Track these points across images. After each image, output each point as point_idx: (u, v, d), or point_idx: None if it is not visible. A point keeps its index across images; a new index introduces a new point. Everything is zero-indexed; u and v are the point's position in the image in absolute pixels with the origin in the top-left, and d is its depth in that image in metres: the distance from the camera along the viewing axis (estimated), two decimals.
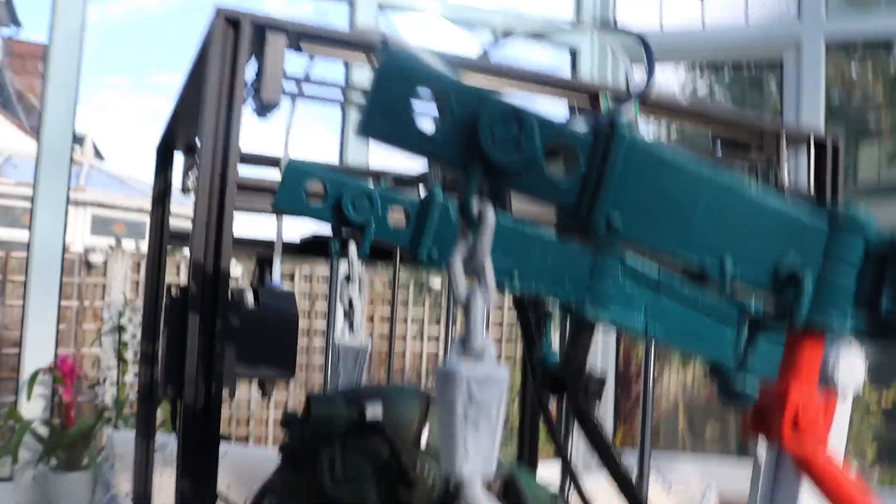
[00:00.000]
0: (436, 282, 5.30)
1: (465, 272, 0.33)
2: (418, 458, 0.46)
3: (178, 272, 4.14)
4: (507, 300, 5.04)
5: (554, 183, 0.31)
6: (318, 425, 0.45)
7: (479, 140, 0.29)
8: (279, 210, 0.60)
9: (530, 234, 0.62)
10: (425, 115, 0.30)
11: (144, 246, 3.53)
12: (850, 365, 0.75)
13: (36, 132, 3.51)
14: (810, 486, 0.44)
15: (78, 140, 7.51)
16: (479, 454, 0.32)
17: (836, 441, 0.77)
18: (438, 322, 5.24)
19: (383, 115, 0.28)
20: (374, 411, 0.46)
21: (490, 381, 0.32)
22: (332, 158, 3.31)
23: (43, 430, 3.57)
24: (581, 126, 0.32)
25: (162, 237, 1.21)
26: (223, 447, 1.31)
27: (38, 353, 3.57)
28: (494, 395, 0.32)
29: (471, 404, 0.32)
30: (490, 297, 0.33)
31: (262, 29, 0.72)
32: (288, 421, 0.49)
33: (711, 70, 3.77)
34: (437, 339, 5.16)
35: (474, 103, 0.30)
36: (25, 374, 3.55)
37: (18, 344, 3.62)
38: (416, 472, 0.44)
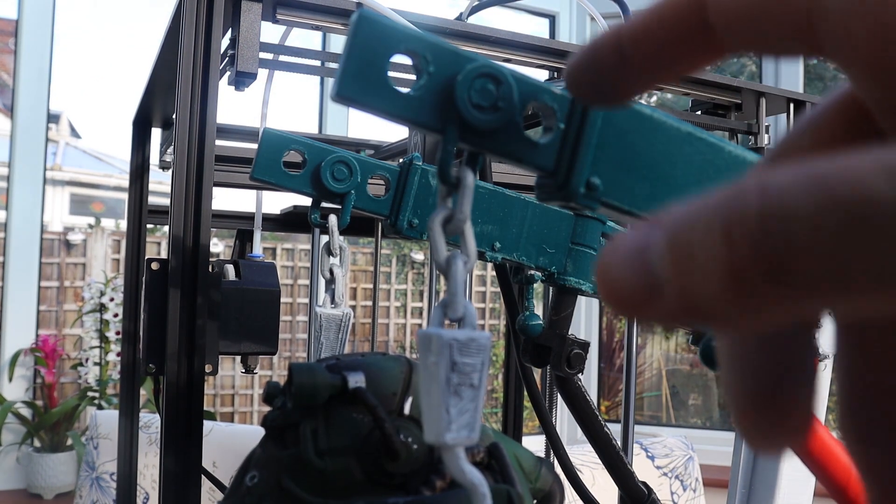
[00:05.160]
0: (418, 255, 5.31)
1: (445, 237, 0.33)
2: (401, 427, 0.45)
3: (158, 250, 4.12)
4: (491, 273, 5.06)
5: (532, 143, 0.31)
6: (300, 394, 0.44)
7: (455, 100, 0.29)
8: (256, 180, 0.59)
9: (510, 199, 0.62)
10: (400, 80, 0.30)
11: (124, 224, 3.50)
12: (831, 331, 0.75)
13: (10, 110, 3.46)
14: (792, 452, 0.44)
15: (53, 118, 7.43)
16: (462, 421, 0.32)
17: (817, 407, 0.78)
18: (422, 296, 5.25)
19: (358, 78, 0.28)
20: (356, 379, 0.45)
21: (472, 345, 0.32)
22: (312, 129, 3.30)
23: (26, 412, 3.57)
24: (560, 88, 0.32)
25: (141, 214, 1.20)
26: (208, 425, 1.31)
27: (18, 334, 3.56)
28: (477, 360, 0.32)
29: (453, 370, 0.31)
30: (472, 261, 0.33)
31: None
32: (270, 392, 0.49)
33: None
34: (421, 312, 5.18)
35: (451, 63, 0.29)
36: (6, 355, 3.54)
37: None
38: (399, 441, 0.44)
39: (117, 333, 3.63)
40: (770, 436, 0.19)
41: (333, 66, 0.88)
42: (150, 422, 1.60)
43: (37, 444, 3.56)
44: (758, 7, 0.19)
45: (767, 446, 0.19)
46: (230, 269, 0.87)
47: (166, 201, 0.78)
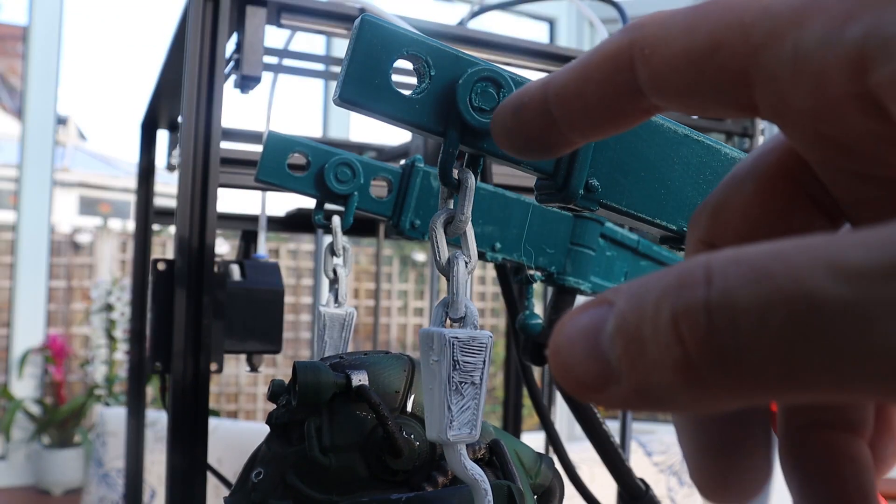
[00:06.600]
0: (420, 256, 5.32)
1: (447, 238, 0.33)
2: (404, 425, 0.46)
3: (164, 251, 4.14)
4: (490, 273, 5.06)
5: None
6: (304, 392, 0.45)
7: (457, 103, 0.29)
8: (261, 181, 0.60)
9: (510, 201, 0.63)
10: (402, 84, 0.30)
11: (131, 225, 3.53)
12: None
13: (19, 114, 3.48)
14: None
15: (61, 121, 7.45)
16: (463, 419, 0.33)
17: None
18: (423, 296, 5.26)
19: (360, 82, 0.28)
20: (359, 378, 0.46)
21: (474, 343, 0.32)
22: (315, 132, 3.31)
23: (35, 409, 3.60)
24: None
25: (148, 215, 1.21)
26: (213, 422, 1.32)
27: (28, 333, 3.58)
28: (478, 358, 0.33)
29: (455, 368, 0.32)
30: (473, 262, 0.33)
31: (241, 2, 0.72)
32: (275, 390, 0.50)
33: None
34: (422, 312, 5.18)
35: (452, 67, 0.30)
36: (16, 354, 3.56)
37: (7, 325, 3.63)
38: (402, 438, 0.45)
39: (124, 332, 3.64)
40: (726, 492, 0.20)
41: (336, 69, 0.89)
42: (157, 419, 1.61)
43: (46, 440, 3.58)
44: (691, 71, 0.18)
45: (724, 501, 0.20)
46: (235, 269, 0.88)
47: (173, 203, 0.79)
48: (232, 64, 0.75)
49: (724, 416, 0.20)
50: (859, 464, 0.20)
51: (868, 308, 0.12)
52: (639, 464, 1.63)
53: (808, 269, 0.13)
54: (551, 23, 3.57)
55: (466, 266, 0.33)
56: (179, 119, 0.82)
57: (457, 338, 0.32)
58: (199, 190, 0.71)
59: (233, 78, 0.75)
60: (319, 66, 0.90)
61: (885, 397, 0.13)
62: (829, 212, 0.20)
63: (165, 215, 1.27)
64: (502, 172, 0.85)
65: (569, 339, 0.16)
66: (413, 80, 0.29)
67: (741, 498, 0.20)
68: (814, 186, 0.20)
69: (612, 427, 0.65)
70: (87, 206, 8.18)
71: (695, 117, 1.02)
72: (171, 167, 1.21)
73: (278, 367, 4.40)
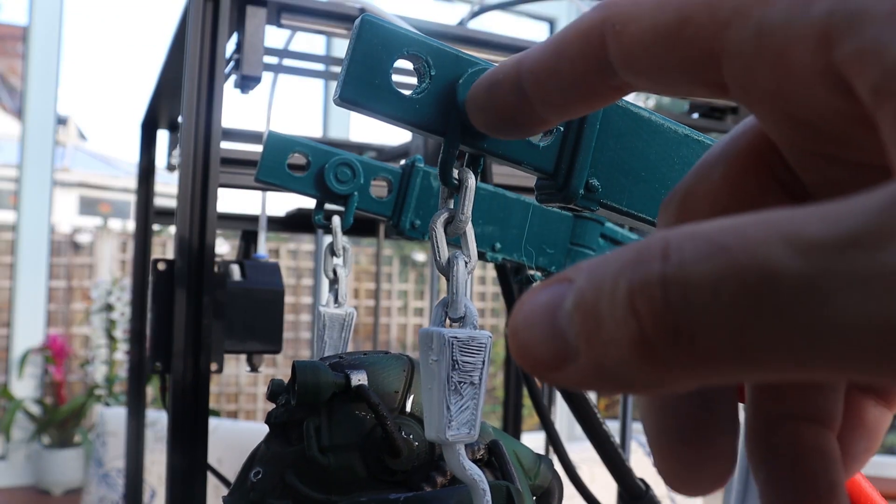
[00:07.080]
0: (420, 256, 5.32)
1: (447, 238, 0.33)
2: (403, 425, 0.46)
3: (164, 251, 4.14)
4: (490, 273, 5.06)
5: (532, 146, 0.31)
6: (304, 392, 0.45)
7: (457, 103, 0.29)
8: (261, 181, 0.60)
9: (510, 201, 0.63)
10: (402, 84, 0.30)
11: (131, 225, 3.53)
12: None
13: (19, 114, 3.49)
14: None
15: (61, 121, 7.46)
16: (462, 419, 0.33)
17: None
18: (423, 296, 5.26)
19: (360, 82, 0.28)
20: (359, 377, 0.46)
21: (473, 343, 0.32)
22: (315, 132, 3.31)
23: (35, 409, 3.60)
24: None
25: (148, 215, 1.21)
26: (213, 422, 1.32)
27: (28, 333, 3.58)
28: (477, 358, 0.33)
29: (454, 368, 0.32)
30: (473, 262, 0.33)
31: (241, 2, 0.72)
32: (274, 390, 0.50)
33: None
34: (422, 312, 5.19)
35: (452, 66, 0.30)
36: (16, 354, 3.56)
37: (7, 325, 3.63)
38: (401, 438, 0.45)
39: (124, 332, 3.65)
40: (690, 481, 0.19)
41: (336, 69, 0.89)
42: (157, 419, 1.61)
43: (46, 440, 3.58)
44: (660, 48, 0.18)
45: (688, 491, 0.20)
46: (235, 269, 0.88)
47: (173, 203, 0.79)
48: (232, 64, 0.75)
49: (688, 403, 0.19)
50: (827, 456, 0.20)
51: (823, 281, 0.12)
52: (639, 464, 1.64)
53: (763, 242, 0.13)
54: (551, 23, 3.58)
55: (466, 266, 0.33)
56: (179, 119, 0.82)
57: (456, 338, 0.32)
58: (199, 190, 0.71)
59: (233, 78, 0.75)
60: (319, 66, 0.91)
61: (840, 375, 0.13)
62: (798, 196, 0.20)
63: (165, 215, 1.27)
64: (502, 172, 0.85)
65: (527, 317, 0.15)
66: (413, 80, 0.29)
67: (705, 488, 0.19)
68: (783, 171, 0.20)
69: (612, 427, 0.65)
70: (87, 206, 8.18)
71: (695, 116, 1.02)
72: (171, 167, 1.21)
73: (278, 367, 4.40)
